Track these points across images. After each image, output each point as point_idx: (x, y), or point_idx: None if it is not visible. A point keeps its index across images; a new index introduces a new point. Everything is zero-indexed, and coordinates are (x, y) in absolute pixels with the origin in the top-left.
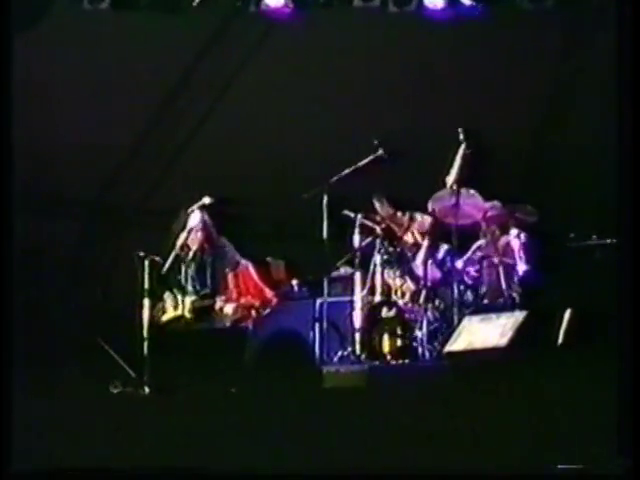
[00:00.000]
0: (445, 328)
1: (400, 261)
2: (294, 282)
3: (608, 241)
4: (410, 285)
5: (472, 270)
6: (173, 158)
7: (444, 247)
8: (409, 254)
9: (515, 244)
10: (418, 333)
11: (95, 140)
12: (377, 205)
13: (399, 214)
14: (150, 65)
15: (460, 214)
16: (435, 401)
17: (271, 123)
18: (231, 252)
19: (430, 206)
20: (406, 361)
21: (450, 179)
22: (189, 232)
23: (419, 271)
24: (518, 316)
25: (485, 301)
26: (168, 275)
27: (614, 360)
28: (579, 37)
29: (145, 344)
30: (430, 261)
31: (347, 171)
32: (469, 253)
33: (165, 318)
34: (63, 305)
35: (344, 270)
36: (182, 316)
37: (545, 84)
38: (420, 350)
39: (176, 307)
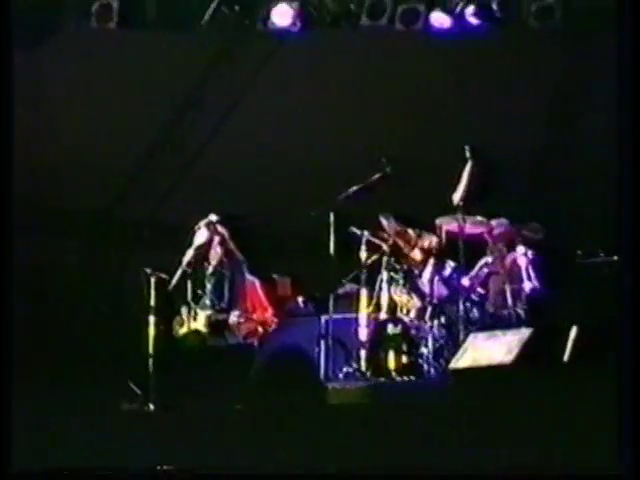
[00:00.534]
0: (451, 345)
1: (406, 278)
2: (300, 299)
3: (615, 258)
4: (416, 302)
5: (478, 287)
6: (180, 175)
7: (450, 264)
8: (415, 271)
9: (522, 261)
10: (424, 350)
11: (102, 157)
12: (384, 222)
13: (406, 231)
14: (158, 83)
15: (466, 231)
16: (440, 418)
17: (278, 140)
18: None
19: (437, 223)
20: (412, 378)
21: (457, 196)
22: (196, 249)
23: (425, 288)
24: (524, 333)
25: (491, 318)
26: (187, 288)
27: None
28: (585, 55)
29: (150, 361)
30: (436, 278)
31: (354, 188)
32: (475, 270)
33: (182, 332)
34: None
35: (350, 287)
36: (198, 330)
37: (552, 102)
38: (426, 367)
39: (193, 320)
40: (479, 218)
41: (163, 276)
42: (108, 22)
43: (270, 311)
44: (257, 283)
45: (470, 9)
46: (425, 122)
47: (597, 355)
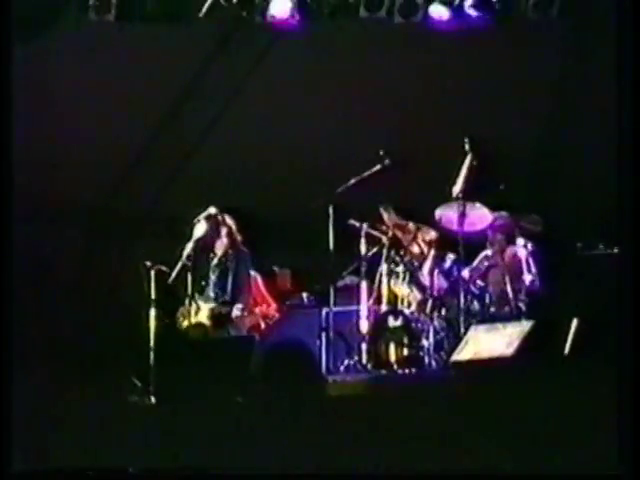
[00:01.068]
0: (451, 337)
1: (406, 271)
2: (301, 292)
3: (615, 250)
4: (417, 294)
5: (479, 280)
6: (179, 168)
7: (451, 257)
8: (416, 263)
9: (522, 254)
10: (424, 342)
11: (101, 150)
12: (384, 215)
13: (405, 223)
14: (156, 75)
15: (466, 223)
16: (441, 410)
17: (277, 133)
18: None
19: (437, 216)
20: (412, 370)
21: (456, 189)
22: (196, 242)
23: (426, 280)
24: (525, 326)
25: (492, 310)
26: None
27: (620, 369)
28: (583, 46)
29: (152, 354)
30: (437, 270)
31: (353, 181)
32: (476, 262)
33: (185, 324)
34: (69, 312)
35: (350, 279)
36: (201, 323)
37: (551, 94)
38: (426, 359)
39: (196, 313)
40: (478, 205)
41: (163, 269)
42: (107, 14)
43: (273, 306)
44: (259, 277)
45: (469, 1)
46: (424, 114)
47: (598, 347)
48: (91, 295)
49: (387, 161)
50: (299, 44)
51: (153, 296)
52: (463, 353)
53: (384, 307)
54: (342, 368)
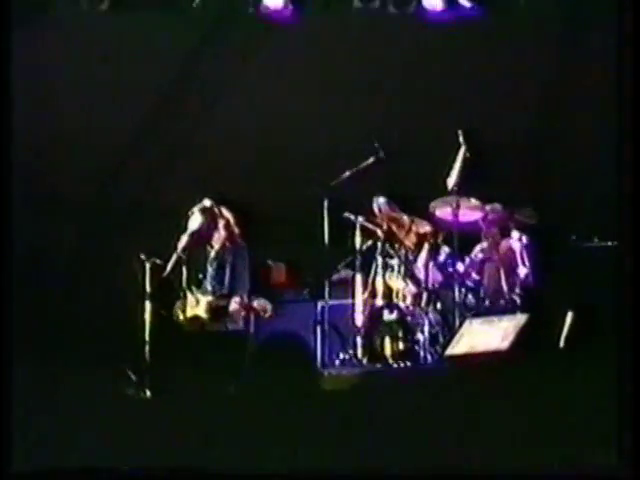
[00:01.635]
0: (447, 331)
1: (401, 264)
2: (295, 285)
3: (610, 243)
4: (411, 288)
5: (473, 273)
6: (173, 160)
7: (445, 250)
8: (410, 257)
9: (516, 246)
10: (420, 336)
11: (94, 141)
12: (377, 207)
13: (400, 216)
14: (149, 66)
15: (460, 215)
16: (436, 404)
17: (271, 124)
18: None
19: (431, 209)
20: (407, 364)
21: (450, 181)
22: (190, 235)
23: (420, 274)
24: (520, 319)
25: (486, 304)
26: (189, 273)
27: (616, 362)
28: (581, 37)
29: (147, 347)
30: (431, 264)
31: (348, 173)
32: (470, 256)
33: (182, 317)
34: (64, 306)
35: (345, 273)
36: (198, 316)
37: (545, 85)
38: (422, 353)
39: (194, 306)
40: (473, 201)
41: (158, 262)
42: (99, 4)
43: None
44: None
45: None
46: (418, 106)
47: (593, 340)
48: (86, 289)
49: (381, 153)
50: (293, 35)
51: (148, 289)
52: (458, 347)
53: (379, 301)
54: (337, 362)
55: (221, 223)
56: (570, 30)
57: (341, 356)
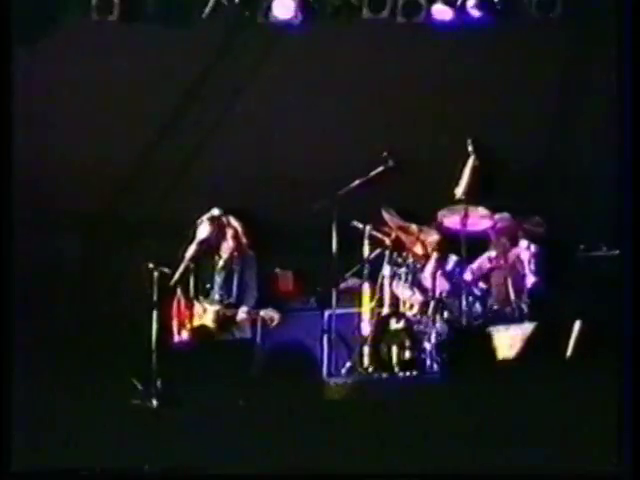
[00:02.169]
0: (453, 340)
1: (409, 273)
2: (303, 294)
3: (617, 252)
4: (419, 297)
5: (481, 282)
6: (182, 169)
7: (453, 258)
8: (418, 265)
9: (524, 255)
10: (426, 345)
11: (103, 151)
12: (386, 216)
13: (408, 225)
14: (158, 76)
15: (469, 225)
16: (443, 412)
17: (280, 134)
18: None
19: (439, 217)
20: (414, 373)
21: (459, 190)
22: (199, 244)
23: (428, 282)
24: (527, 328)
25: (494, 312)
26: (196, 283)
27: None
28: (587, 46)
29: (154, 356)
30: (439, 272)
31: (356, 182)
32: (478, 264)
33: (189, 326)
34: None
35: (352, 281)
36: (205, 325)
37: (554, 94)
38: (428, 362)
39: (201, 315)
40: (482, 210)
41: (166, 271)
42: (109, 15)
43: None
44: None
45: (471, 1)
46: (427, 115)
47: (600, 350)
48: (93, 297)
49: (390, 162)
50: (302, 45)
51: (155, 298)
52: (466, 355)
53: (386, 309)
54: (343, 371)
55: (229, 233)
56: (578, 39)
57: (347, 365)
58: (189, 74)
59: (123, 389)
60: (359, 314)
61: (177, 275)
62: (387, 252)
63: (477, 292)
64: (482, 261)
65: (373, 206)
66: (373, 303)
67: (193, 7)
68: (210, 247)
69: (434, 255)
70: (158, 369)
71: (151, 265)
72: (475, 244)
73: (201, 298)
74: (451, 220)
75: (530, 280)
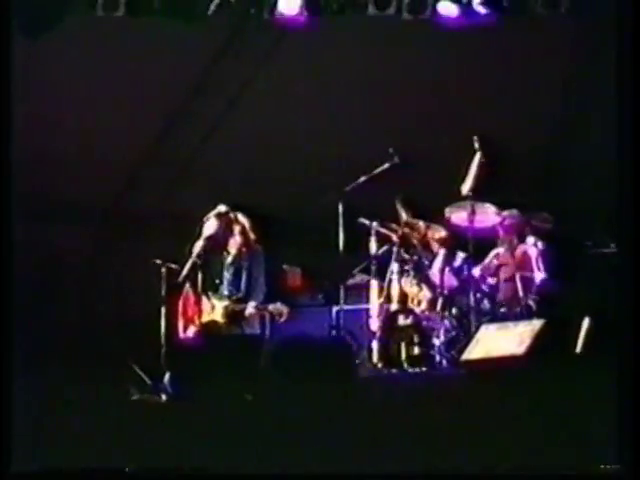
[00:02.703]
0: (462, 336)
1: (417, 269)
2: (311, 290)
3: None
4: (427, 293)
5: (489, 278)
6: (188, 165)
7: (461, 255)
8: (426, 262)
9: (532, 252)
10: (435, 341)
11: (110, 146)
12: (401, 210)
13: (416, 222)
14: (165, 72)
15: (476, 221)
16: (451, 409)
17: (286, 130)
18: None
19: (446, 214)
20: (423, 369)
21: (466, 187)
22: (206, 240)
23: (436, 279)
24: (535, 324)
25: (502, 309)
26: (205, 278)
27: (631, 368)
28: (593, 44)
29: (162, 351)
30: (447, 269)
31: (363, 179)
32: (486, 261)
33: (198, 322)
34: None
35: (361, 278)
36: (215, 321)
37: (560, 91)
38: (437, 358)
39: (210, 311)
40: (489, 206)
41: (173, 267)
42: (114, 10)
43: None
44: None
45: None
46: (433, 112)
47: (609, 346)
48: (101, 294)
49: (396, 159)
50: (308, 41)
51: (163, 294)
52: (474, 352)
53: (394, 306)
54: (353, 367)
55: (237, 229)
56: (585, 36)
57: (356, 362)
58: (195, 70)
59: (128, 387)
60: (367, 310)
61: (185, 271)
62: (395, 248)
63: (485, 289)
64: (490, 258)
65: (380, 202)
66: (381, 299)
67: (199, 3)
68: (218, 243)
69: (442, 252)
70: (167, 364)
71: (159, 261)
72: (483, 241)
73: (210, 294)
74: (458, 217)
75: (538, 277)
